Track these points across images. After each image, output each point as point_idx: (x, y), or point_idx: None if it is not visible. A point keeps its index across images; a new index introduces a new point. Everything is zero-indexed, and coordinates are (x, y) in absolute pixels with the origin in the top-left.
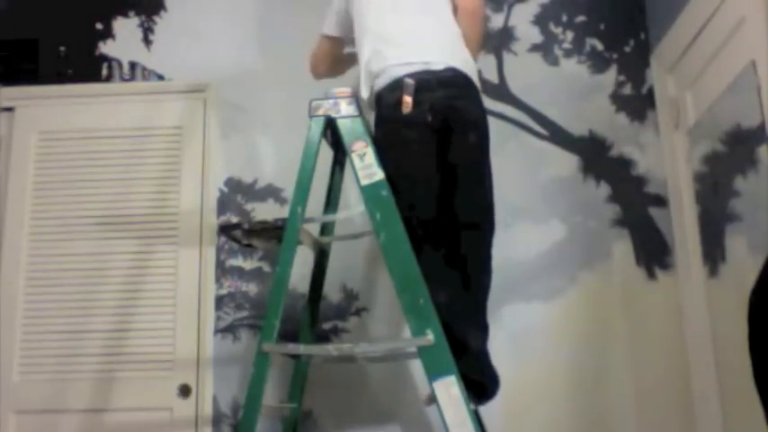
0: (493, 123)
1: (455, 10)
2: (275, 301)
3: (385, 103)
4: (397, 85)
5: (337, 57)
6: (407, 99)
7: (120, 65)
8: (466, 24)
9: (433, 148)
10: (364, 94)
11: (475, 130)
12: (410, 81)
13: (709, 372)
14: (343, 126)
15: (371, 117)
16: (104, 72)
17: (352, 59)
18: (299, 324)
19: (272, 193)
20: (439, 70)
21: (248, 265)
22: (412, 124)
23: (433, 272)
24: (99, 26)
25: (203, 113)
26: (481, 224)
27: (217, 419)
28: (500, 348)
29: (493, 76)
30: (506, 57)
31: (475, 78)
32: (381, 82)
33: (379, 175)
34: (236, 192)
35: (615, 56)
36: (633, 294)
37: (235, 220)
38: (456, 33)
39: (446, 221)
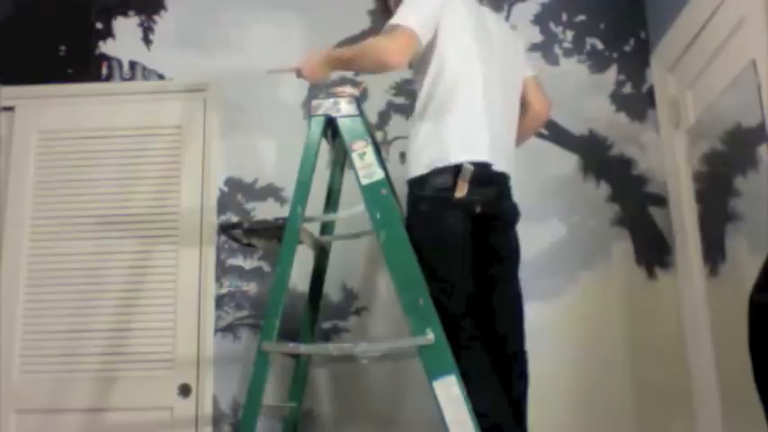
0: None
1: (522, 102)
2: (275, 300)
3: (432, 183)
4: (450, 171)
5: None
6: (462, 183)
7: (120, 64)
8: (529, 126)
9: (471, 238)
10: (417, 171)
11: (513, 229)
12: (470, 167)
13: (710, 371)
14: (344, 125)
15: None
16: (104, 72)
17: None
18: (299, 323)
19: (272, 192)
20: (495, 171)
21: (248, 264)
22: (460, 210)
23: (474, 370)
24: (99, 26)
25: (203, 113)
26: (517, 327)
27: (217, 419)
28: None
29: None
30: None
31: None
32: (438, 164)
33: (379, 174)
34: (236, 191)
35: (615, 55)
36: (633, 294)
37: (235, 219)
38: (514, 135)
39: (483, 316)
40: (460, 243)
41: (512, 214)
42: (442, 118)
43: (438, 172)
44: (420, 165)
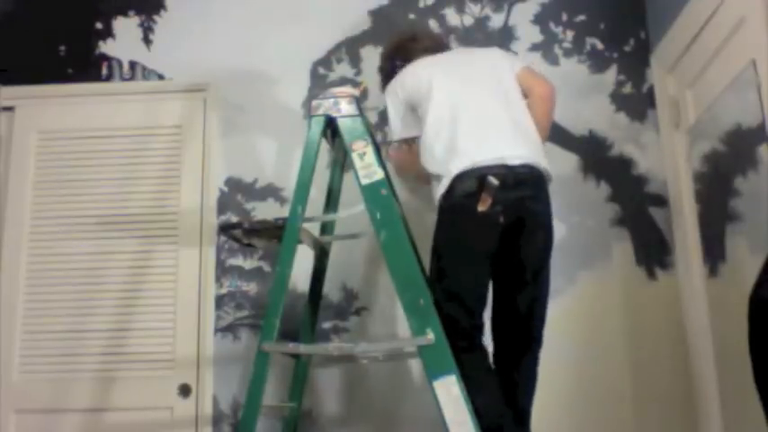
0: None
1: (525, 94)
2: (275, 300)
3: (458, 192)
4: (472, 175)
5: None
6: (486, 198)
7: (120, 64)
8: (539, 110)
9: (496, 246)
10: (439, 189)
11: (543, 234)
12: (494, 181)
13: (710, 371)
14: (344, 125)
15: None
16: (104, 72)
17: None
18: (299, 323)
19: (272, 192)
20: (515, 165)
21: (248, 264)
22: (484, 222)
23: (474, 373)
24: (99, 26)
25: (203, 113)
26: (534, 330)
27: (217, 419)
28: None
29: None
30: None
31: (547, 168)
32: (455, 169)
33: (379, 174)
34: (236, 191)
35: (615, 55)
36: (633, 294)
37: (235, 219)
38: (529, 123)
39: (500, 321)
40: (475, 250)
41: (538, 218)
42: (431, 147)
43: (460, 177)
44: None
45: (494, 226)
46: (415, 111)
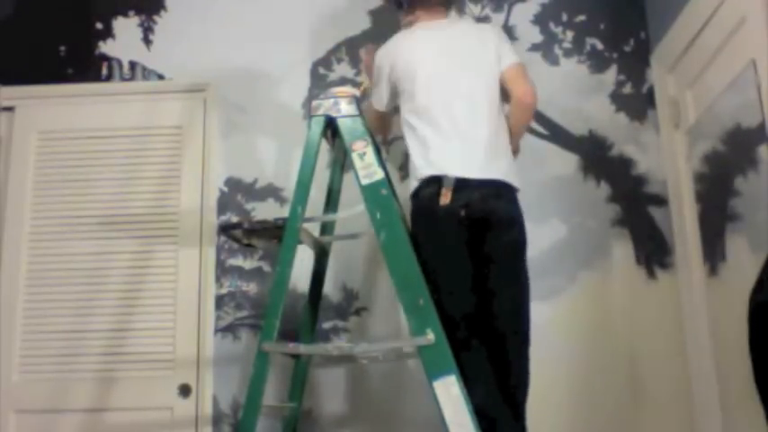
0: None
1: (504, 94)
2: (275, 300)
3: (423, 194)
4: (435, 180)
5: (385, 122)
6: (446, 191)
7: (120, 64)
8: (519, 115)
9: (464, 242)
10: (412, 184)
11: (509, 229)
12: (452, 176)
13: (710, 371)
14: (344, 125)
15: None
16: (104, 72)
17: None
18: (299, 324)
19: (272, 192)
20: (478, 178)
21: (248, 264)
22: (446, 216)
23: (469, 369)
24: (99, 26)
25: (203, 113)
26: (514, 325)
27: (217, 419)
28: None
29: None
30: None
31: (515, 182)
32: (422, 174)
33: (379, 174)
34: (236, 191)
35: (615, 55)
36: (633, 294)
37: (235, 219)
38: (502, 136)
39: (480, 318)
40: (445, 244)
41: (503, 215)
42: (408, 145)
43: (425, 183)
44: (412, 179)
45: (456, 219)
46: (397, 92)
